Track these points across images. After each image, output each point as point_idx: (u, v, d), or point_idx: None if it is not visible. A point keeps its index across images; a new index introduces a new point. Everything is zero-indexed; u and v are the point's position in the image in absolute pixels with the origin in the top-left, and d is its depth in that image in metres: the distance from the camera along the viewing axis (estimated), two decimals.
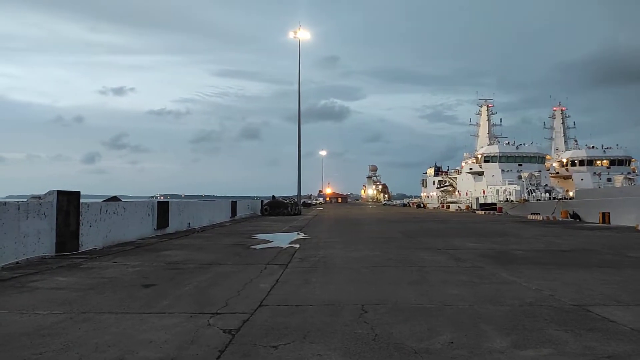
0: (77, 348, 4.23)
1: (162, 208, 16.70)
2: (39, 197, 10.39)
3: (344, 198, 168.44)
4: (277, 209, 35.68)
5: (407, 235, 17.38)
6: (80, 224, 11.22)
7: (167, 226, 16.92)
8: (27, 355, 4.04)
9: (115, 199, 16.33)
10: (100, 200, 15.06)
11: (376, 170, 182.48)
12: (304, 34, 41.61)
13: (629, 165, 54.02)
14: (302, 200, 52.23)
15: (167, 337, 4.57)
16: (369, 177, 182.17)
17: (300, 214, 36.73)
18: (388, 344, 4.40)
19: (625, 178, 49.10)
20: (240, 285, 7.23)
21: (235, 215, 29.15)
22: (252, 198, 48.53)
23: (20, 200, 10.31)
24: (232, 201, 29.84)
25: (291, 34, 41.70)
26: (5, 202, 9.42)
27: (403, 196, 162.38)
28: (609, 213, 27.50)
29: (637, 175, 52.58)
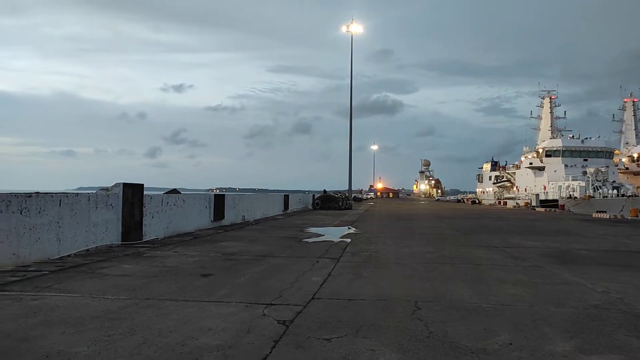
0: (142, 332, 4.49)
1: (219, 201, 17.27)
2: (106, 189, 11.06)
3: (396, 193, 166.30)
4: (328, 203, 35.87)
5: (462, 232, 16.93)
6: (144, 215, 11.83)
7: (223, 218, 17.48)
8: (98, 336, 4.34)
9: (175, 191, 17.10)
10: (162, 192, 15.81)
11: (429, 165, 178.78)
12: (356, 28, 41.36)
13: None
14: (352, 195, 52.23)
15: (225, 325, 4.74)
16: (422, 172, 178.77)
17: (351, 209, 36.73)
18: (443, 342, 4.32)
19: None
20: (293, 277, 7.36)
21: (288, 208, 29.62)
22: (304, 192, 49.10)
23: (90, 192, 11.04)
24: (284, 195, 30.34)
25: (343, 28, 41.58)
26: (77, 193, 10.13)
27: (457, 192, 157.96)
28: None
29: None
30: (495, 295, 6.37)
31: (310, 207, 36.31)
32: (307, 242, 12.75)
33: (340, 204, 36.40)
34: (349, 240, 13.28)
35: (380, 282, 7.23)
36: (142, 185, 11.85)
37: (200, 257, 9.48)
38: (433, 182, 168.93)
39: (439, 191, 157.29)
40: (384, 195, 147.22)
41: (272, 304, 5.63)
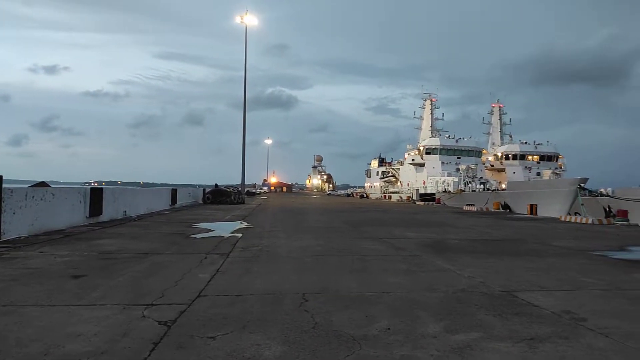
0: None
1: (96, 195, 15.84)
2: None
3: (289, 187, 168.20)
4: (219, 198, 35.00)
5: (350, 225, 17.66)
6: (2, 211, 10.39)
7: (101, 214, 16.09)
8: None
9: (43, 184, 15.29)
10: (27, 185, 14.02)
11: (321, 161, 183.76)
12: (251, 20, 40.74)
13: (556, 161, 58.00)
14: (246, 189, 51.64)
15: (98, 330, 4.34)
16: (315, 167, 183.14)
17: (243, 203, 36.26)
18: (327, 331, 4.44)
19: (552, 173, 52.70)
20: (178, 275, 7.01)
21: (176, 203, 28.27)
22: (195, 186, 47.23)
23: None
24: (172, 189, 28.89)
25: (237, 19, 40.68)
26: None
27: (347, 186, 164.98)
28: (536, 205, 29.40)
29: (563, 170, 56.54)
30: (377, 284, 6.73)
31: (201, 202, 35.10)
32: (195, 237, 12.27)
33: (232, 198, 35.74)
34: (240, 235, 13.07)
35: (270, 276, 7.22)
36: (0, 177, 10.39)
37: (71, 256, 8.59)
38: (325, 177, 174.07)
39: (331, 186, 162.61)
40: (278, 190, 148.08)
41: (153, 305, 5.30)
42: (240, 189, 42.77)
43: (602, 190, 36.81)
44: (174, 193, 28.18)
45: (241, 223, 17.34)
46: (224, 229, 14.79)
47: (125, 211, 18.60)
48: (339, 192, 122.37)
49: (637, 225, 21.22)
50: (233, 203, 34.65)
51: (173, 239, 11.81)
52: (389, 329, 4.55)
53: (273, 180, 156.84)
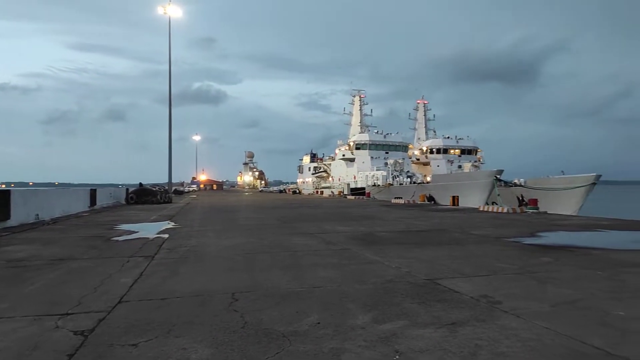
0: None
1: (2, 197, 14.46)
2: None
3: (220, 185, 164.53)
4: (144, 197, 33.42)
5: (282, 221, 17.62)
6: None
7: (9, 218, 14.72)
8: None
9: None
10: None
11: (253, 157, 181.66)
12: (174, 11, 39.16)
13: (476, 154, 61.76)
14: (173, 188, 49.78)
15: (4, 345, 3.96)
16: (246, 164, 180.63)
17: (171, 202, 34.94)
18: (257, 330, 4.38)
19: (472, 165, 56.12)
20: (97, 281, 6.58)
21: (96, 204, 26.58)
22: (117, 186, 44.71)
23: None
24: (91, 189, 27.10)
25: (160, 10, 38.92)
26: None
27: (280, 183, 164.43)
28: (458, 196, 31.14)
29: (482, 163, 60.36)
30: (308, 279, 6.76)
31: (124, 202, 33.31)
32: (117, 240, 11.60)
33: (158, 197, 34.28)
34: (166, 235, 12.56)
35: (198, 277, 7.00)
36: None
37: None
38: (257, 173, 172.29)
39: (263, 182, 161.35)
40: (208, 188, 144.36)
41: (68, 314, 4.93)
42: (167, 187, 41.13)
43: (515, 180, 39.81)
44: (93, 193, 26.45)
45: (168, 223, 16.68)
46: (149, 230, 14.13)
47: (38, 214, 17.17)
48: (271, 189, 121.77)
49: (545, 212, 23.19)
50: (159, 203, 33.26)
51: (92, 242, 11.08)
52: (319, 323, 4.58)
53: (202, 178, 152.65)
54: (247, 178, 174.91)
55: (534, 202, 24.74)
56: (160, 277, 6.93)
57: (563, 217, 20.33)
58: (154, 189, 36.95)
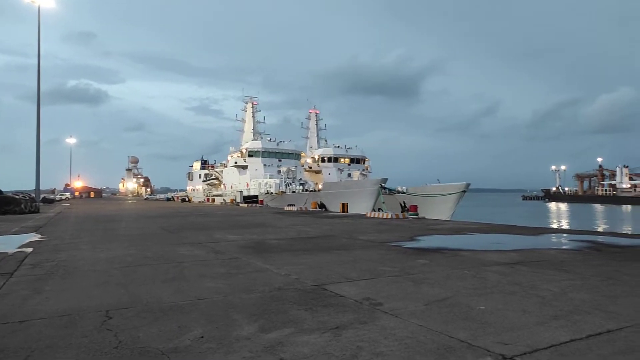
0: None
1: None
2: None
3: (99, 192, 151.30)
4: (5, 207, 29.37)
5: (168, 231, 16.73)
6: None
7: None
8: None
9: None
10: None
11: (137, 162, 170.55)
12: (45, 1, 35.32)
13: (364, 163, 65.03)
14: (42, 196, 44.61)
15: None
16: (129, 170, 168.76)
17: (38, 212, 31.23)
18: (132, 349, 4.05)
19: (360, 174, 59.02)
20: None
21: None
22: None
23: None
24: None
25: None
26: None
27: (168, 190, 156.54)
28: (347, 203, 32.45)
29: (369, 172, 63.71)
30: (194, 290, 6.47)
31: None
32: None
33: (22, 206, 30.41)
34: (30, 249, 11.15)
35: (67, 295, 6.30)
36: None
37: None
38: (142, 180, 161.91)
39: (149, 190, 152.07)
40: (84, 196, 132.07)
41: None
42: (34, 195, 36.71)
43: (399, 188, 42.68)
44: None
45: (34, 235, 14.85)
46: (8, 243, 12.44)
47: None
48: (158, 197, 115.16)
49: (424, 217, 25.16)
50: (24, 212, 29.52)
51: None
52: (202, 337, 4.39)
53: (78, 184, 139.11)
54: (130, 185, 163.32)
55: (414, 208, 26.71)
56: (19, 297, 6.10)
57: (438, 221, 22.23)
58: (17, 197, 32.70)
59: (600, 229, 42.28)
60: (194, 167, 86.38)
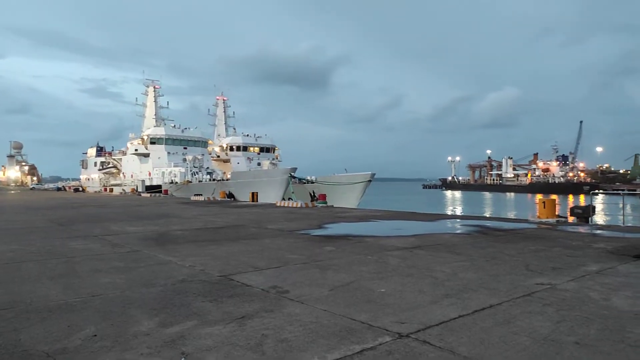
0: None
1: None
2: None
3: None
4: None
5: (58, 224, 15.31)
6: None
7: None
8: None
9: None
10: None
11: (21, 148, 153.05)
12: None
13: (273, 152, 64.76)
14: None
15: None
16: (11, 157, 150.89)
17: None
18: (12, 353, 3.65)
19: (270, 163, 58.76)
20: None
21: None
22: None
23: None
24: None
25: None
26: None
27: (58, 179, 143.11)
28: (257, 192, 32.19)
29: (279, 161, 63.64)
30: (86, 287, 6.00)
31: None
32: None
33: None
34: None
35: None
36: None
37: None
38: (27, 168, 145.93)
39: (35, 178, 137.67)
40: None
41: None
42: None
43: (308, 177, 43.30)
44: None
45: None
46: None
47: None
48: (46, 186, 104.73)
49: (332, 206, 25.82)
50: None
51: None
52: (95, 335, 4.09)
53: None
54: (13, 173, 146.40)
55: (323, 197, 27.30)
56: None
57: (346, 209, 22.98)
58: None
59: (488, 215, 46.70)
60: (88, 154, 79.61)
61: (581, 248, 9.17)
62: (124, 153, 65.12)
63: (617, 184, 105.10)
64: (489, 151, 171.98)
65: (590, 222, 15.49)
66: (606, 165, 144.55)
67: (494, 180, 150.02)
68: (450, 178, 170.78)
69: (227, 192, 39.21)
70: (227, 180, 44.56)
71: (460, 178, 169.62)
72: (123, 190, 57.65)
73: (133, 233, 12.28)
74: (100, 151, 75.75)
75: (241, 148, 61.28)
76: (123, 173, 63.99)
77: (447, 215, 22.91)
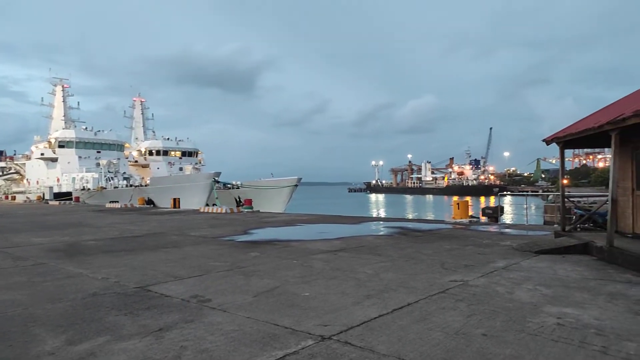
0: None
1: None
2: None
3: None
4: None
5: None
6: None
7: None
8: None
9: None
10: None
11: None
12: None
13: (196, 156, 62.72)
14: None
15: None
16: None
17: None
18: None
19: (193, 168, 56.85)
20: None
21: None
22: None
23: None
24: None
25: None
26: None
27: None
28: (179, 198, 31.01)
29: (203, 165, 61.76)
30: None
31: None
32: None
33: None
34: None
35: None
36: None
37: None
38: None
39: None
40: None
41: None
42: None
43: (233, 182, 42.54)
44: None
45: None
46: None
47: None
48: None
49: (258, 211, 25.57)
50: None
51: None
52: None
53: None
54: None
55: (248, 202, 26.95)
56: None
57: (272, 214, 22.86)
58: None
59: (409, 216, 48.89)
60: None
61: (490, 246, 9.89)
62: (28, 157, 59.63)
63: (522, 186, 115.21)
64: (409, 155, 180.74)
65: (499, 222, 16.79)
66: (513, 168, 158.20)
67: (414, 183, 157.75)
68: (374, 182, 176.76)
69: (147, 199, 37.42)
70: (146, 186, 42.47)
71: (383, 181, 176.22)
72: (27, 198, 52.73)
73: (39, 244, 11.27)
74: (0, 155, 68.75)
75: (161, 152, 58.64)
76: (27, 179, 58.59)
77: (371, 217, 23.67)
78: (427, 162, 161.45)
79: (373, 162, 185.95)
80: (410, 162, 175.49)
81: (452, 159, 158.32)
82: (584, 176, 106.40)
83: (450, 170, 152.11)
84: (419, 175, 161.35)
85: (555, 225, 13.71)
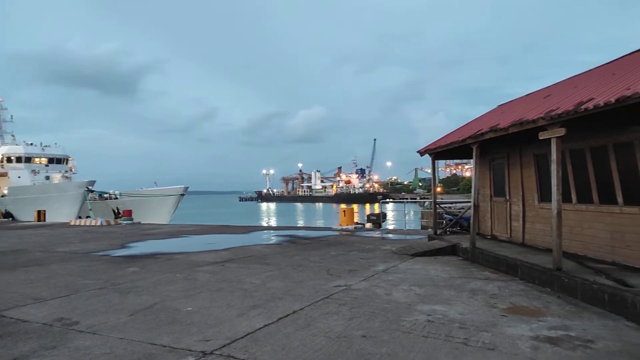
0: None
1: None
2: None
3: None
4: None
5: None
6: None
7: None
8: None
9: None
10: None
11: None
12: None
13: (66, 163, 56.77)
14: None
15: None
16: None
17: None
18: None
19: (63, 176, 51.33)
20: None
21: None
22: None
23: None
24: None
25: None
26: None
27: None
28: (44, 210, 27.71)
29: (74, 173, 56.08)
30: None
31: None
32: None
33: None
34: None
35: None
36: None
37: None
38: None
39: None
40: None
41: None
42: None
43: (111, 192, 39.32)
44: None
45: None
46: None
47: None
48: None
49: (139, 222, 23.93)
50: None
51: None
52: None
53: None
54: None
55: (128, 214, 25.07)
56: None
57: (155, 226, 21.56)
58: None
59: (299, 224, 49.60)
60: None
61: (372, 251, 10.44)
62: None
63: (403, 193, 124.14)
64: (300, 164, 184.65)
65: (381, 227, 17.83)
66: (394, 177, 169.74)
67: (305, 191, 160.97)
68: (265, 190, 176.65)
69: (4, 211, 32.97)
70: (2, 197, 37.38)
71: (275, 190, 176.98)
72: None
73: None
74: None
75: (23, 159, 52.08)
76: None
77: (261, 226, 23.54)
78: (317, 171, 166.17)
79: (264, 171, 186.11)
80: (300, 171, 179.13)
81: (340, 168, 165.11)
82: (455, 184, 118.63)
83: (338, 179, 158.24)
84: (309, 184, 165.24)
85: (429, 230, 14.98)
